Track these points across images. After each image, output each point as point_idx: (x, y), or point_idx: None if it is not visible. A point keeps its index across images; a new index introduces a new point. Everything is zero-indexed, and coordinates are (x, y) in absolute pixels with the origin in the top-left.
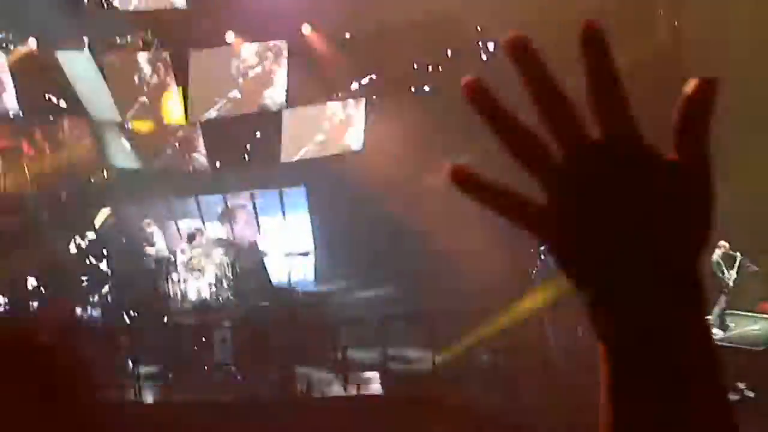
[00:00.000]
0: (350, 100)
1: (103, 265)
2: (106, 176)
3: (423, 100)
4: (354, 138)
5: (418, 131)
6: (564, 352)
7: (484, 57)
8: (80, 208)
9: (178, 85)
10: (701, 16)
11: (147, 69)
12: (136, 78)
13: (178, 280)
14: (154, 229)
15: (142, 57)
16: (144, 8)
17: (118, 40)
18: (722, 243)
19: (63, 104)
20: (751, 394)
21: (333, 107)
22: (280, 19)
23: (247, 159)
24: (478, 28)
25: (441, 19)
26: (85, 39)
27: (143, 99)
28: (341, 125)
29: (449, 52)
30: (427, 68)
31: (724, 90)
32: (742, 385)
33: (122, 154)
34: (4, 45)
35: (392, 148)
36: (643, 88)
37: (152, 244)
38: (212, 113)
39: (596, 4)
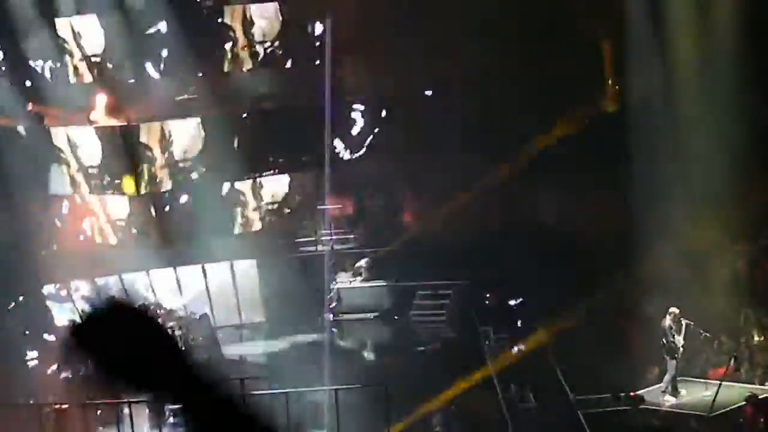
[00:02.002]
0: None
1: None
2: (55, 250)
3: None
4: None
5: None
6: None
7: None
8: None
9: (128, 159)
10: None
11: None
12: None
13: None
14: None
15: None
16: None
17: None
18: (672, 309)
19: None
20: None
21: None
22: None
23: (199, 232)
24: None
25: None
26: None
27: (94, 173)
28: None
29: None
30: None
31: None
32: None
33: (73, 229)
34: None
35: None
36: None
37: None
38: (165, 186)
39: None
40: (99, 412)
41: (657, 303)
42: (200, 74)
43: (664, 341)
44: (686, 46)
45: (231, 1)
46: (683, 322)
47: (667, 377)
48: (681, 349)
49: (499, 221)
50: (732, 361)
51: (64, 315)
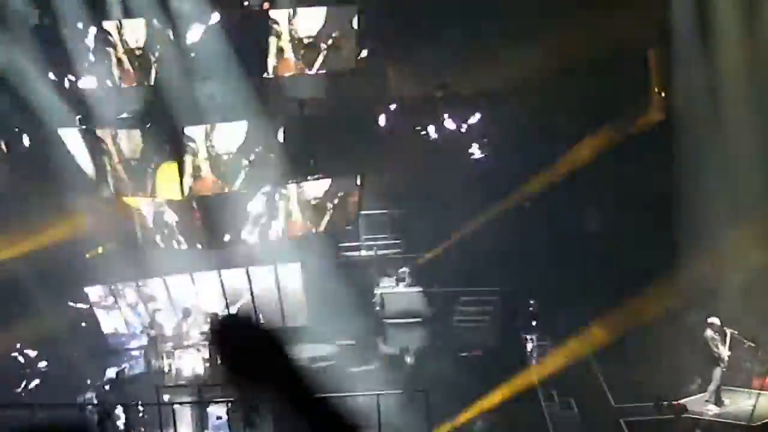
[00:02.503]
0: None
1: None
2: (101, 252)
3: None
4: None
5: None
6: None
7: None
8: (76, 284)
9: (173, 161)
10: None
11: (144, 145)
12: (133, 154)
13: (173, 356)
14: (149, 306)
15: (139, 134)
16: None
17: (115, 117)
18: (712, 319)
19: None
20: None
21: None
22: None
23: (243, 235)
24: None
25: None
26: (78, 116)
27: (139, 175)
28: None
29: None
30: None
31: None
32: None
33: (118, 232)
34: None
35: None
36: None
37: (148, 321)
38: (210, 190)
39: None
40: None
41: (700, 312)
42: (246, 77)
43: (708, 351)
44: (732, 54)
45: (277, 4)
46: (727, 331)
47: (711, 386)
48: (725, 358)
49: (545, 229)
50: None
51: (111, 321)
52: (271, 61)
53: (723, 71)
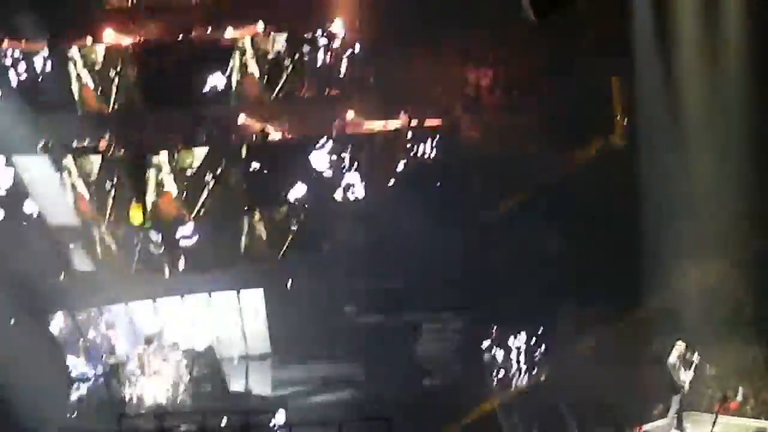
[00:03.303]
0: None
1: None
2: (62, 279)
3: None
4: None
5: None
6: None
7: None
8: (36, 312)
9: (136, 189)
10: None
11: (105, 172)
12: (94, 181)
13: (135, 384)
14: (110, 333)
15: (100, 160)
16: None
17: (76, 144)
18: (679, 344)
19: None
20: None
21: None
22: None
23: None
24: None
25: None
26: (41, 142)
27: (101, 203)
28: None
29: None
30: None
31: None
32: None
33: (79, 258)
34: None
35: None
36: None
37: (109, 348)
38: (172, 215)
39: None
40: None
41: (664, 338)
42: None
43: (670, 376)
44: (695, 81)
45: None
46: (690, 357)
47: (671, 411)
48: (687, 383)
49: (506, 253)
50: (738, 396)
51: (72, 347)
52: (235, 77)
53: (685, 96)
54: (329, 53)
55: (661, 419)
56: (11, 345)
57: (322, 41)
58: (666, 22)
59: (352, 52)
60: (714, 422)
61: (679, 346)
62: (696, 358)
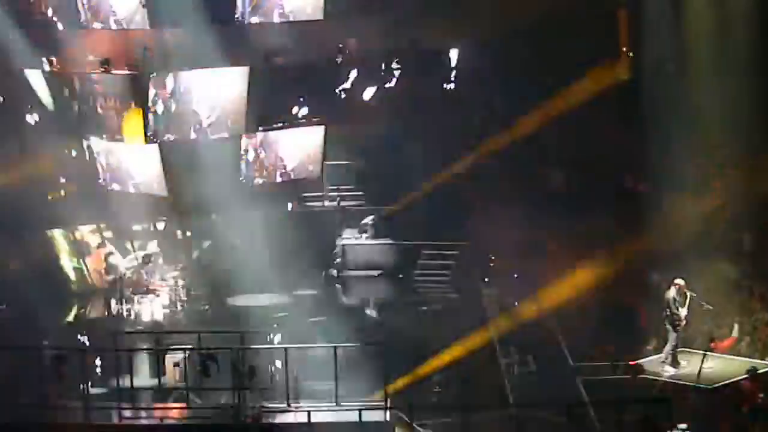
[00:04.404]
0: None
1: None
2: (63, 195)
3: None
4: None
5: None
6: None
7: None
8: (37, 227)
9: (137, 106)
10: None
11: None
12: (98, 97)
13: (132, 302)
14: (109, 250)
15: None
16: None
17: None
18: (678, 281)
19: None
20: None
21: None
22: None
23: (207, 184)
24: None
25: None
26: (47, 59)
27: (105, 117)
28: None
29: None
30: None
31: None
32: (683, 426)
33: (82, 175)
34: None
35: None
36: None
37: (107, 266)
38: (173, 137)
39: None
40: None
41: (662, 273)
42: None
43: (668, 312)
44: (702, 15)
45: None
46: (688, 293)
47: (667, 348)
48: (683, 320)
49: (506, 184)
50: (733, 333)
51: (70, 264)
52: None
53: (692, 32)
54: None
55: (656, 355)
56: (12, 260)
57: None
58: None
59: None
60: (703, 359)
61: (678, 282)
62: (692, 294)
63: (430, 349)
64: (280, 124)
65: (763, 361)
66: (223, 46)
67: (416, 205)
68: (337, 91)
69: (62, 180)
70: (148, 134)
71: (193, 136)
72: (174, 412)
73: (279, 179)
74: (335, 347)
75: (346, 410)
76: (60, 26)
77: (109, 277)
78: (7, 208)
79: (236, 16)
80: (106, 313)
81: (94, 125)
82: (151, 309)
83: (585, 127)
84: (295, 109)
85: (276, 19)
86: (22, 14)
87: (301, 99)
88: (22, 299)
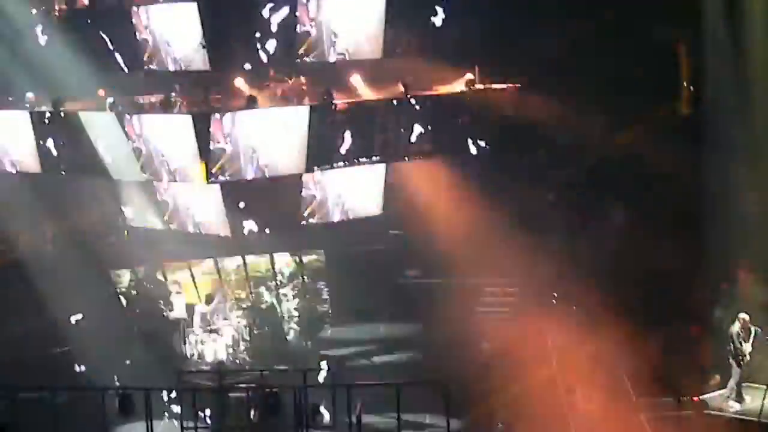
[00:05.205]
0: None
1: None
2: (126, 237)
3: None
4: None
5: None
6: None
7: None
8: (99, 268)
9: (199, 147)
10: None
11: (169, 129)
12: (159, 138)
13: (196, 341)
14: (172, 290)
15: (165, 118)
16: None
17: (141, 101)
18: (742, 315)
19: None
20: None
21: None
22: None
23: (268, 223)
24: None
25: None
26: (109, 100)
27: (166, 159)
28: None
29: None
30: None
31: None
32: None
33: (144, 215)
34: (28, 105)
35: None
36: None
37: (170, 305)
38: (233, 176)
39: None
40: None
41: (726, 309)
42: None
43: (731, 347)
44: (764, 47)
45: None
46: (752, 328)
47: (731, 383)
48: (747, 355)
49: (568, 221)
50: None
51: (134, 304)
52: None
53: (754, 64)
54: None
55: (719, 390)
56: (76, 301)
57: None
58: None
59: None
60: (765, 394)
61: (743, 317)
62: (757, 329)
63: (493, 385)
64: (340, 163)
65: None
66: (282, 86)
67: (477, 243)
68: (397, 128)
69: (125, 221)
70: (210, 174)
71: (252, 175)
72: None
73: (339, 218)
74: (397, 385)
75: None
76: (122, 65)
77: (173, 316)
78: (73, 250)
79: (296, 55)
80: (170, 353)
81: (155, 165)
82: (214, 348)
83: (646, 162)
84: (355, 148)
85: (333, 59)
86: (88, 52)
87: (362, 137)
88: (86, 339)
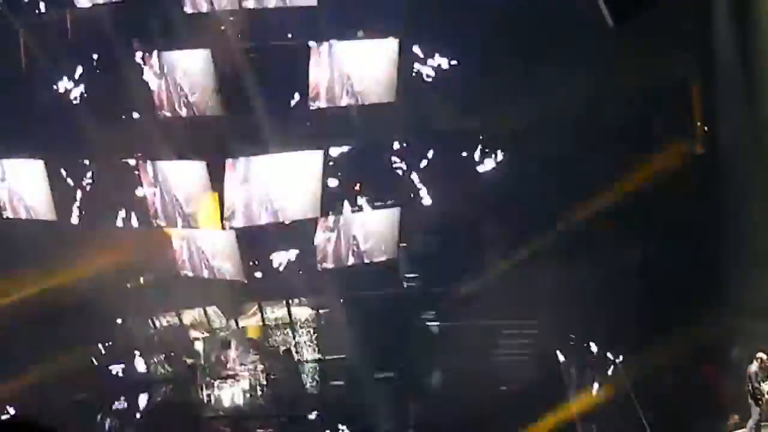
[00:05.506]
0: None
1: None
2: (142, 282)
3: None
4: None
5: None
6: None
7: None
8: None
9: (214, 192)
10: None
11: (183, 175)
12: (173, 184)
13: (212, 386)
14: (189, 336)
15: (179, 164)
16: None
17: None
18: (760, 355)
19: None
20: None
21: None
22: None
23: (283, 267)
24: None
25: None
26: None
27: (180, 205)
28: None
29: None
30: None
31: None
32: None
33: (159, 262)
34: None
35: None
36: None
37: (190, 352)
38: (248, 221)
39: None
40: None
41: (744, 348)
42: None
43: (750, 387)
44: None
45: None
46: None
47: (750, 423)
48: (766, 395)
49: (582, 263)
50: None
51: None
52: (311, 91)
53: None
54: None
55: (738, 430)
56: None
57: None
58: (748, 29)
59: None
60: None
61: (761, 356)
62: None
63: (511, 428)
64: (355, 208)
65: None
66: (296, 130)
67: (493, 284)
68: (411, 171)
69: (140, 267)
70: (224, 220)
71: (267, 220)
72: None
73: (353, 262)
74: (413, 427)
75: None
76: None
77: (190, 362)
78: (88, 297)
79: (309, 99)
80: (187, 399)
81: (171, 212)
82: (231, 393)
83: (662, 202)
84: (368, 192)
85: (346, 101)
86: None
87: (375, 181)
88: (103, 386)
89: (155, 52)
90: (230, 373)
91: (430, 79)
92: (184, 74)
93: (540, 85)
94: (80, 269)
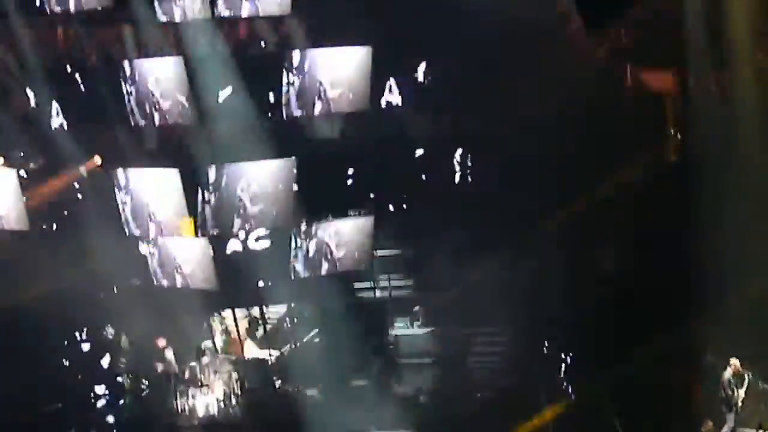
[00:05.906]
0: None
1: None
2: (114, 291)
3: None
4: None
5: None
6: None
7: None
8: (88, 323)
9: (187, 201)
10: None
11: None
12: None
13: (186, 396)
14: (162, 345)
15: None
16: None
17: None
18: (734, 361)
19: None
20: None
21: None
22: None
23: (257, 276)
24: None
25: None
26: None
27: (152, 213)
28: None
29: None
30: None
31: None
32: None
33: (131, 270)
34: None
35: None
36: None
37: (162, 360)
38: (222, 230)
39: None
40: None
41: (717, 355)
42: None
43: (723, 393)
44: (750, 94)
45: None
46: (745, 374)
47: (725, 429)
48: (740, 402)
49: (557, 270)
50: None
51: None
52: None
53: (740, 112)
54: None
55: None
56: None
57: None
58: (720, 37)
59: None
60: None
61: (734, 363)
62: (749, 374)
63: None
64: (328, 216)
65: None
66: (269, 137)
67: (468, 291)
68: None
69: (113, 276)
70: (198, 228)
71: (241, 228)
72: None
73: (328, 270)
74: None
75: None
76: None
77: (163, 372)
78: (61, 308)
79: (282, 108)
80: (161, 409)
81: (142, 219)
82: (205, 403)
83: (635, 208)
84: (344, 199)
85: (319, 109)
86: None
87: (348, 189)
88: (78, 395)
89: (126, 60)
90: (204, 382)
91: (403, 87)
92: (156, 81)
93: (511, 91)
94: (52, 278)
